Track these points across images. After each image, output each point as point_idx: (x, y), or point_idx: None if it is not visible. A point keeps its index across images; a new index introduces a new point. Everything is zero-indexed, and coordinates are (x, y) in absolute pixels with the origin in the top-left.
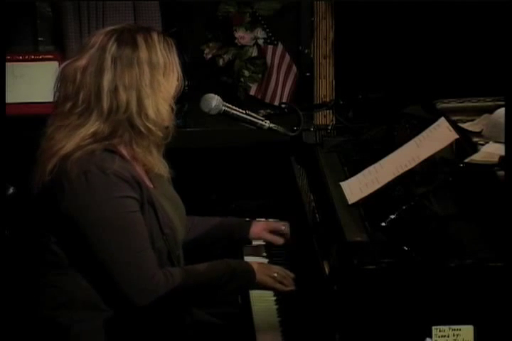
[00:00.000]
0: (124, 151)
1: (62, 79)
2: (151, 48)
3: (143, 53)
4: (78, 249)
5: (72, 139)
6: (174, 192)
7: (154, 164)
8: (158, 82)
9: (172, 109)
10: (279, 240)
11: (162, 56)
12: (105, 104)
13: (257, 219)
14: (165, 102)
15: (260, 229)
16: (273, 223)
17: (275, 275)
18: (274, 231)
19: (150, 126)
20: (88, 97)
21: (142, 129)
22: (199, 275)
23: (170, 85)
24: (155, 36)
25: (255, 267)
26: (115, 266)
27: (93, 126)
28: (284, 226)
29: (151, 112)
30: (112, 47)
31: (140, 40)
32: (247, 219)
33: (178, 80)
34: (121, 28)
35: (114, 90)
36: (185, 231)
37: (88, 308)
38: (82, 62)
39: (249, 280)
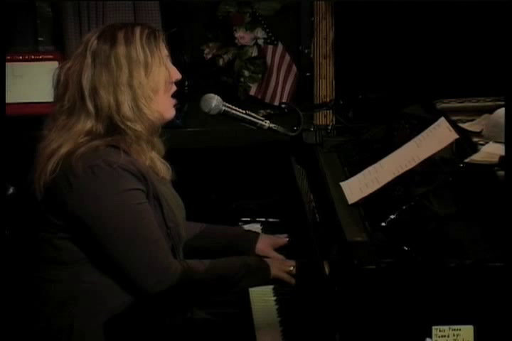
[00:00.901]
0: (125, 147)
1: (55, 82)
2: (131, 44)
3: (121, 49)
4: (89, 244)
5: (69, 138)
6: (175, 193)
7: (146, 158)
8: (137, 80)
9: (161, 103)
10: (280, 258)
11: (143, 51)
12: (89, 104)
13: (257, 219)
14: (146, 99)
15: (265, 245)
16: (278, 239)
17: (291, 269)
18: (277, 246)
19: (128, 123)
20: (73, 97)
21: (120, 125)
22: (215, 269)
23: (154, 81)
24: (137, 31)
25: (270, 263)
26: (130, 259)
27: (86, 124)
28: (286, 239)
29: (126, 109)
30: (92, 44)
31: (120, 35)
32: (248, 218)
33: (169, 74)
34: (107, 25)
35: (94, 89)
36: (186, 230)
37: (90, 304)
38: (69, 62)
39: (265, 277)
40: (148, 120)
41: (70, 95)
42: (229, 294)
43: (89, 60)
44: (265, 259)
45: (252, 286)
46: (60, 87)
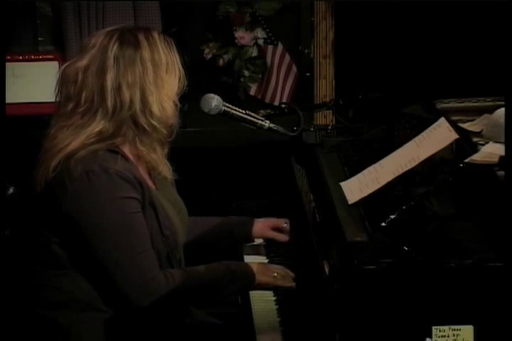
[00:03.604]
0: (126, 151)
1: (64, 81)
2: (153, 47)
3: (145, 52)
4: (79, 249)
5: (78, 138)
6: (177, 195)
7: (158, 162)
8: (162, 79)
9: (176, 106)
10: (283, 237)
11: (164, 54)
12: (109, 103)
13: (257, 219)
14: (169, 99)
15: (263, 227)
16: (274, 220)
17: (275, 275)
18: (276, 229)
19: (154, 123)
20: (91, 97)
21: (146, 127)
22: (199, 277)
23: (173, 82)
24: (156, 35)
25: (255, 268)
26: (115, 267)
27: (99, 125)
28: (285, 224)
29: (155, 109)
30: (113, 47)
31: (142, 39)
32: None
33: (180, 78)
34: (122, 28)
35: (118, 88)
36: (187, 234)
37: (88, 309)
38: (83, 62)
39: (249, 282)
40: (169, 121)
41: (87, 94)
42: (216, 299)
43: (111, 61)
44: (250, 264)
45: (237, 292)
46: (76, 86)
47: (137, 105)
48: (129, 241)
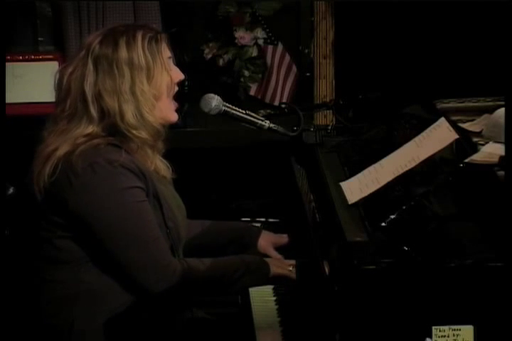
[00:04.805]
0: (127, 148)
1: (56, 85)
2: (132, 48)
3: (122, 54)
4: (89, 242)
5: (65, 140)
6: (176, 194)
7: (151, 162)
8: (140, 87)
9: (168, 108)
10: (279, 258)
11: (144, 56)
12: (93, 109)
13: (257, 219)
14: (149, 107)
15: (268, 242)
16: (280, 238)
17: (290, 268)
18: (277, 244)
19: (131, 130)
20: (74, 103)
21: (125, 133)
22: (214, 267)
23: (156, 88)
24: (139, 35)
25: (270, 262)
26: (129, 257)
27: (87, 129)
28: (285, 239)
29: (129, 117)
30: (94, 49)
31: (121, 40)
32: (248, 218)
33: (171, 78)
34: (109, 29)
35: (98, 96)
36: (187, 231)
37: (91, 303)
38: (71, 66)
39: (264, 275)
40: (152, 127)
41: (71, 101)
42: (228, 293)
43: (91, 66)
44: (265, 258)
45: (251, 285)
46: (62, 91)
47: (116, 112)
48: (139, 231)
